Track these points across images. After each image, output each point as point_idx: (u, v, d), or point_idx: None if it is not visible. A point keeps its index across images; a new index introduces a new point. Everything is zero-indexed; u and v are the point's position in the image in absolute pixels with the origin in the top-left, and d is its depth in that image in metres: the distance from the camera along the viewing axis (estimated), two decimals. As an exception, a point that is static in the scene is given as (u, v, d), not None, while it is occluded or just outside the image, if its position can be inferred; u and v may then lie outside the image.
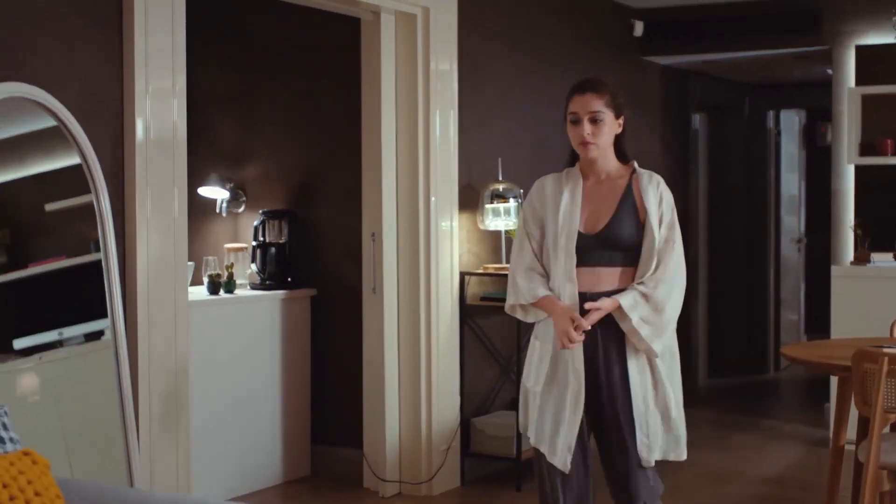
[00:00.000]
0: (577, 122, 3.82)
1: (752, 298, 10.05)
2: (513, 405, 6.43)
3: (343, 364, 6.32)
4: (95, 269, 4.10)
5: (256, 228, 6.43)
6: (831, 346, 5.55)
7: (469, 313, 6.28)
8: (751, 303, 10.04)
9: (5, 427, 3.01)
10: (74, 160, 4.02)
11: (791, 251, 10.44)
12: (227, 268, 6.18)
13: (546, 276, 3.88)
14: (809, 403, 8.60)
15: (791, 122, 10.39)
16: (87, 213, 4.11)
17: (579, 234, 3.81)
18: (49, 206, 4.02)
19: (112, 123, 4.28)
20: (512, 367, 6.51)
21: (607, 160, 3.89)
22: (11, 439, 3.00)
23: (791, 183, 10.42)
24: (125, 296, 4.26)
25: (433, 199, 5.98)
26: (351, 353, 6.24)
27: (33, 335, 3.88)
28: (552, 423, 3.87)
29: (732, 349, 9.93)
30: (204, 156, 6.46)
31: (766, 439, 7.43)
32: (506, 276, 6.12)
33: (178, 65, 4.52)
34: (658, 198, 3.87)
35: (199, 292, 5.92)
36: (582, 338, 3.74)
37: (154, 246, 4.42)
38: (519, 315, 4.01)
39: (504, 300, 6.12)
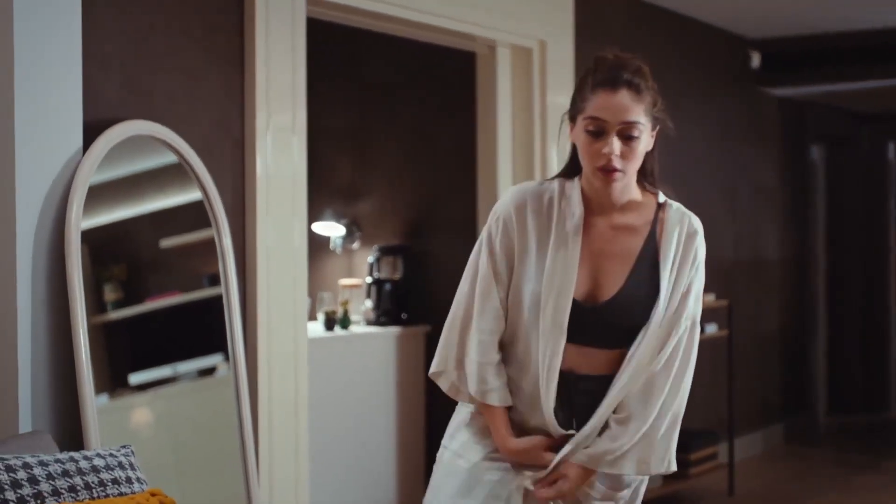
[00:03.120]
0: (600, 133, 2.53)
1: (873, 333, 9.76)
2: (631, 444, 6.29)
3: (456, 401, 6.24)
4: (209, 305, 4.11)
5: (371, 264, 6.41)
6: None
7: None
8: (871, 338, 9.76)
9: (133, 467, 3.00)
10: (191, 196, 4.03)
11: (912, 285, 10.15)
12: (343, 304, 6.16)
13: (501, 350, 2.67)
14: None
15: (911, 154, 10.12)
16: (202, 249, 4.12)
17: (574, 302, 2.58)
18: (164, 242, 4.03)
19: (233, 159, 4.29)
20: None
21: (627, 189, 2.64)
22: (139, 479, 2.98)
23: (911, 215, 10.14)
24: (245, 331, 4.25)
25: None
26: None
27: (148, 370, 3.88)
28: None
29: (853, 386, 9.65)
30: (318, 191, 6.46)
31: (890, 481, 7.18)
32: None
33: (298, 101, 4.51)
34: (688, 254, 2.67)
35: (315, 328, 5.91)
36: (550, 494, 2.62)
37: (274, 281, 4.41)
38: (446, 388, 2.79)
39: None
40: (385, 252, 6.38)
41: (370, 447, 6.02)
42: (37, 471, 2.75)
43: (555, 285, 2.56)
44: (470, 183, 6.07)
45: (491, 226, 2.66)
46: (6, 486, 2.67)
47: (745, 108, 7.84)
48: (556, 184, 2.66)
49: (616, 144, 2.51)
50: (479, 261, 2.67)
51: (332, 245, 6.67)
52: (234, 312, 4.08)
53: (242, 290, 4.27)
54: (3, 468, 2.70)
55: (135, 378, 3.80)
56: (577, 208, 2.60)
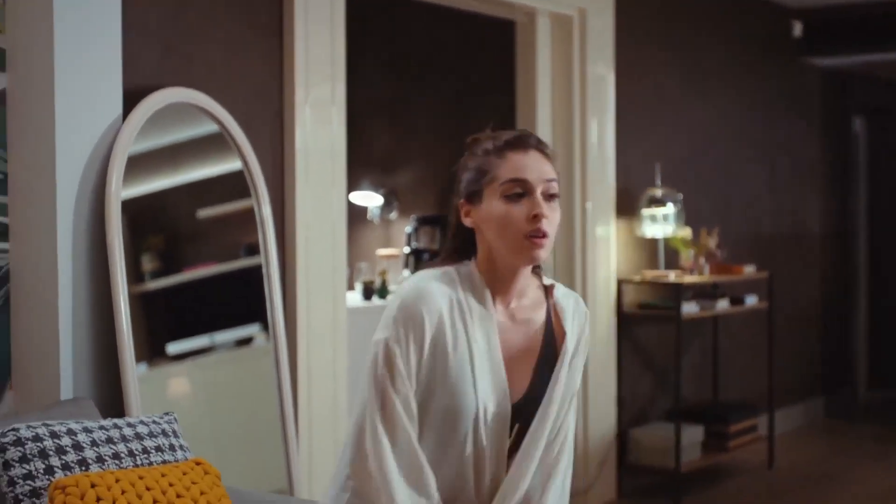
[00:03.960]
0: (522, 195, 2.26)
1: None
2: (670, 416, 6.27)
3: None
4: (246, 275, 4.10)
5: (409, 234, 6.39)
6: None
7: (626, 322, 6.14)
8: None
9: (176, 434, 3.00)
10: (229, 166, 4.02)
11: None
12: (381, 274, 6.15)
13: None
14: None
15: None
16: (239, 219, 4.11)
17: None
18: (201, 213, 4.02)
19: (272, 130, 4.27)
20: (669, 377, 6.35)
21: (526, 279, 2.37)
22: (182, 447, 2.99)
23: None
24: (284, 300, 4.24)
25: (589, 205, 5.86)
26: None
27: (186, 340, 3.88)
28: None
29: (894, 360, 9.56)
30: (356, 161, 6.44)
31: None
32: (666, 284, 6.01)
33: (337, 73, 4.49)
34: (582, 346, 2.43)
35: (353, 298, 5.90)
36: None
37: (313, 251, 4.39)
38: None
39: (664, 307, 6.07)
40: (423, 222, 6.37)
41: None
42: (81, 437, 2.76)
43: (494, 384, 2.29)
44: (509, 154, 6.02)
45: (398, 338, 2.25)
46: (51, 453, 2.68)
47: (786, 79, 7.75)
48: (452, 274, 2.33)
49: (544, 205, 2.25)
50: (387, 384, 2.25)
51: (369, 215, 6.66)
52: (273, 282, 4.07)
53: (281, 260, 4.25)
54: (47, 434, 2.70)
55: (173, 348, 3.80)
56: (481, 296, 2.30)
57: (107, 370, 3.44)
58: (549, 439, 2.38)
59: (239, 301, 4.11)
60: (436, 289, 2.28)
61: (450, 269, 2.34)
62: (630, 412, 6.22)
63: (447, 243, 2.41)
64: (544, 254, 2.26)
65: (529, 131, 2.38)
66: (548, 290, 2.41)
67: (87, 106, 3.38)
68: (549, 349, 2.37)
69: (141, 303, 3.53)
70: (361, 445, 2.27)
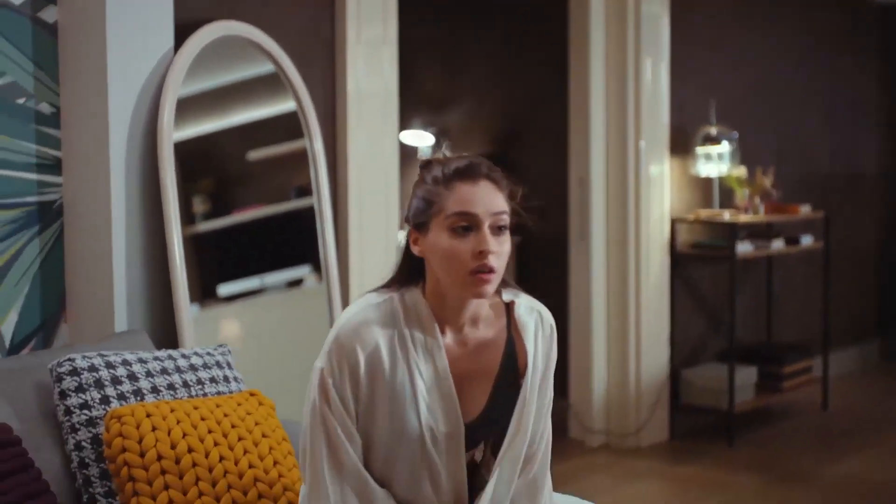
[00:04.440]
0: (469, 229, 2.18)
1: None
2: (723, 357, 6.23)
3: (548, 313, 6.21)
4: (296, 217, 4.09)
5: (461, 175, 6.35)
6: None
7: (679, 262, 6.08)
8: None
9: (230, 366, 3.00)
10: (280, 107, 4.00)
11: None
12: (432, 214, 6.13)
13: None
14: None
15: None
16: (289, 161, 4.10)
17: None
18: (252, 154, 4.01)
19: (324, 69, 4.24)
20: (722, 317, 6.29)
21: (479, 303, 2.31)
22: (236, 378, 2.99)
23: None
24: (337, 240, 4.23)
25: (642, 143, 5.79)
26: (556, 302, 6.12)
27: (236, 281, 3.88)
28: None
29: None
30: (406, 100, 6.40)
31: None
32: (720, 224, 5.95)
33: (389, 12, 4.45)
34: (550, 360, 2.38)
35: (404, 237, 5.88)
36: None
37: (366, 192, 4.38)
38: None
39: (717, 246, 6.01)
40: (475, 162, 6.32)
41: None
42: (136, 368, 2.76)
43: (444, 408, 2.24)
44: (562, 93, 5.97)
45: (332, 370, 2.22)
46: (106, 383, 2.69)
47: (844, 15, 7.59)
48: (396, 303, 2.27)
49: (491, 240, 2.16)
50: (325, 413, 2.23)
51: (419, 154, 6.62)
52: (325, 222, 4.06)
53: (334, 201, 4.24)
54: (103, 364, 2.71)
55: (223, 289, 3.80)
56: (429, 330, 2.25)
57: (160, 307, 3.45)
58: (529, 453, 2.34)
59: (289, 243, 4.10)
60: (374, 320, 2.23)
61: (394, 296, 2.28)
62: (682, 353, 6.18)
63: (396, 268, 2.34)
64: (490, 289, 2.18)
65: (481, 159, 2.28)
66: (509, 308, 2.34)
67: (139, 39, 3.36)
68: (508, 368, 2.31)
69: (192, 244, 3.53)
70: (310, 471, 2.25)
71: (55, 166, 3.32)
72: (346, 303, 4.25)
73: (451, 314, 2.25)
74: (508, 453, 2.31)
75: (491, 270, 2.16)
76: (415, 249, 2.26)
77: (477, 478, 2.38)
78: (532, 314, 2.34)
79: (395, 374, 2.22)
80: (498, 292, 2.32)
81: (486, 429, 2.31)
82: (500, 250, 2.18)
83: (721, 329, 6.36)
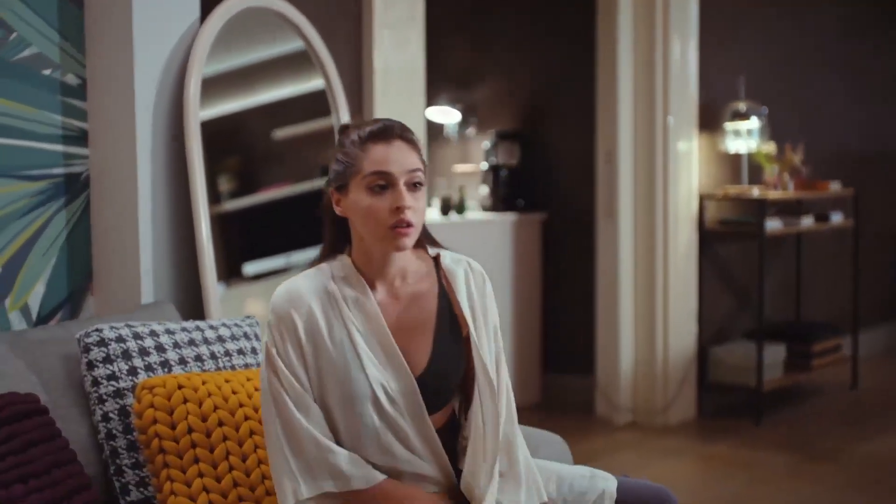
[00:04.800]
0: (386, 188, 2.29)
1: None
2: (752, 335, 6.19)
3: (575, 290, 6.19)
4: (322, 196, 4.07)
5: (487, 150, 6.32)
6: None
7: (707, 239, 6.03)
8: None
9: (257, 338, 2.99)
10: (307, 86, 3.97)
11: None
12: (460, 189, 6.11)
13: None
14: None
15: None
16: (315, 140, 4.09)
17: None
18: (277, 133, 3.99)
19: (352, 45, 4.22)
20: (751, 295, 6.25)
21: (407, 257, 2.40)
22: (263, 351, 2.97)
23: None
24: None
25: (670, 119, 5.74)
26: (583, 279, 6.10)
27: (262, 260, 3.87)
28: None
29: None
30: (433, 77, 6.37)
31: None
32: (749, 200, 5.90)
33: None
34: (484, 297, 2.46)
35: (430, 214, 5.87)
36: None
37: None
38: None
39: (745, 223, 5.96)
40: (502, 137, 6.29)
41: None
42: (163, 339, 2.75)
43: (388, 362, 2.30)
44: (589, 67, 5.93)
45: (275, 341, 2.29)
46: (134, 354, 2.68)
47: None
48: (325, 270, 2.38)
49: (407, 196, 2.28)
50: (275, 387, 2.28)
51: (446, 131, 6.59)
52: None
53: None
54: (130, 335, 2.70)
55: (249, 268, 3.79)
56: (358, 285, 2.34)
57: (186, 281, 3.44)
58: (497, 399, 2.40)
59: (315, 222, 4.09)
60: (303, 286, 2.33)
61: (323, 266, 2.39)
62: (710, 331, 6.14)
63: (324, 239, 2.46)
64: (409, 241, 2.29)
65: (394, 121, 2.38)
66: (437, 261, 2.44)
67: (165, 9, 3.34)
68: (445, 317, 2.39)
69: (218, 223, 3.51)
70: (271, 451, 2.30)
71: (81, 138, 3.30)
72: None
73: (378, 269, 2.35)
74: (478, 408, 2.36)
75: (409, 224, 2.27)
76: (337, 210, 2.37)
77: (459, 442, 2.42)
78: (460, 263, 2.46)
79: (334, 334, 2.29)
80: (424, 248, 2.44)
81: (439, 383, 2.35)
82: (416, 205, 2.29)
83: (749, 307, 6.31)
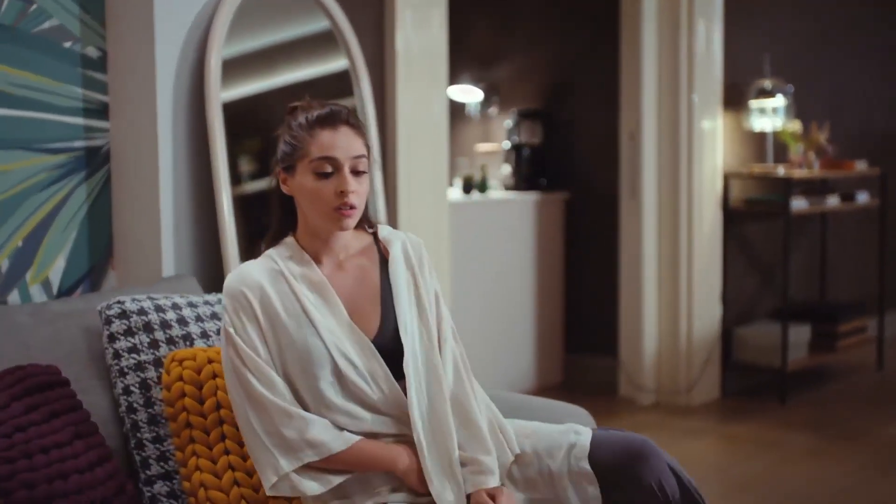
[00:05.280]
0: (331, 173, 2.38)
1: None
2: (776, 315, 6.14)
3: (597, 270, 6.15)
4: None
5: (509, 129, 6.28)
6: None
7: (732, 218, 5.98)
8: None
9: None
10: (329, 67, 3.94)
11: None
12: (482, 168, 6.07)
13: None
14: None
15: None
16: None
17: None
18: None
19: (374, 25, 4.18)
20: (776, 274, 6.19)
21: (347, 234, 2.50)
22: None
23: None
24: (386, 201, 4.18)
25: (695, 97, 5.68)
26: (606, 258, 6.05)
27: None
28: None
29: None
30: (455, 55, 6.32)
31: None
32: (774, 178, 5.84)
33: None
34: (423, 264, 2.55)
35: (452, 193, 5.83)
36: None
37: (414, 152, 4.32)
38: (301, 486, 2.33)
39: (770, 202, 5.90)
40: (524, 116, 6.25)
41: (508, 314, 5.95)
42: (186, 312, 2.72)
43: (344, 330, 2.39)
44: (612, 46, 5.88)
45: (232, 321, 2.37)
46: (155, 326, 2.65)
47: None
48: (273, 253, 2.47)
49: (351, 181, 2.39)
50: (237, 365, 2.35)
51: (468, 110, 6.55)
52: (375, 181, 4.01)
53: (382, 160, 4.20)
54: (152, 308, 2.67)
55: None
56: (304, 262, 2.44)
57: (207, 255, 3.41)
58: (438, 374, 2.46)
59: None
60: (252, 267, 2.44)
61: (268, 253, 2.48)
62: (734, 310, 6.09)
63: (273, 221, 2.54)
64: (352, 222, 2.41)
65: (341, 106, 2.46)
66: (376, 236, 2.56)
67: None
68: (388, 287, 2.48)
69: (238, 205, 3.48)
70: (245, 433, 2.37)
71: (102, 111, 3.28)
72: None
73: (322, 246, 2.46)
74: (416, 361, 2.42)
75: (352, 207, 2.39)
76: (284, 189, 2.46)
77: None
78: (398, 235, 2.56)
79: (287, 307, 2.38)
80: (364, 227, 2.54)
81: (395, 346, 2.42)
82: (360, 189, 2.40)
83: (774, 286, 6.26)
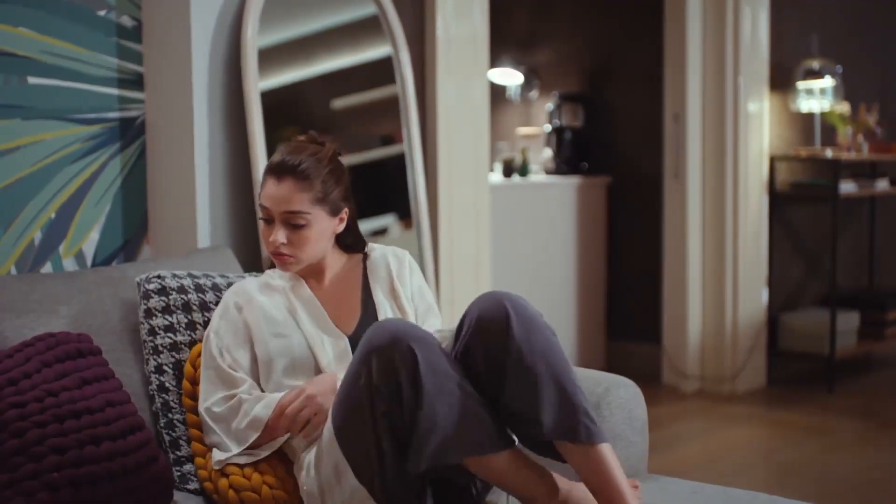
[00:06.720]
0: (270, 220, 2.47)
1: None
2: (823, 302, 6.01)
3: (641, 255, 6.05)
4: (381, 166, 4.03)
5: (550, 112, 6.19)
6: None
7: (778, 202, 5.86)
8: None
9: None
10: (370, 54, 3.90)
11: None
12: (522, 151, 5.98)
13: None
14: None
15: None
16: (374, 110, 4.04)
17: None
18: (336, 103, 3.91)
19: (414, 12, 4.11)
20: (823, 260, 6.07)
21: (331, 261, 2.58)
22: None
23: None
24: (427, 186, 4.12)
25: (741, 78, 5.57)
26: (649, 243, 5.95)
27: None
28: None
29: None
30: (495, 39, 6.24)
31: None
32: (822, 161, 5.71)
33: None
34: (403, 268, 2.64)
35: (493, 176, 5.76)
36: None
37: (455, 139, 4.25)
38: (243, 459, 2.44)
39: (818, 186, 5.77)
40: (566, 99, 6.15)
41: (549, 301, 5.86)
42: (225, 293, 2.65)
43: (321, 329, 2.50)
44: (656, 26, 5.77)
45: (218, 326, 2.50)
46: (194, 307, 2.59)
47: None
48: (270, 272, 2.60)
49: (281, 233, 2.46)
50: (209, 362, 2.48)
51: (508, 94, 6.46)
52: (416, 168, 3.97)
53: (423, 148, 4.13)
54: (192, 287, 2.61)
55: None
56: (293, 279, 2.55)
57: (243, 231, 3.35)
58: None
59: (373, 192, 4.04)
60: (247, 283, 2.55)
61: (267, 272, 2.60)
62: (781, 297, 5.98)
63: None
64: (293, 268, 2.50)
65: (298, 156, 2.46)
66: (366, 256, 2.65)
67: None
68: (368, 294, 2.59)
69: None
70: (220, 432, 2.46)
71: (137, 81, 3.22)
72: (436, 250, 4.17)
73: (310, 270, 2.55)
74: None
75: (284, 256, 2.47)
76: None
77: None
78: (382, 249, 2.65)
79: (275, 311, 2.48)
80: (350, 250, 2.63)
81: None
82: (296, 240, 2.45)
83: (821, 272, 6.14)
